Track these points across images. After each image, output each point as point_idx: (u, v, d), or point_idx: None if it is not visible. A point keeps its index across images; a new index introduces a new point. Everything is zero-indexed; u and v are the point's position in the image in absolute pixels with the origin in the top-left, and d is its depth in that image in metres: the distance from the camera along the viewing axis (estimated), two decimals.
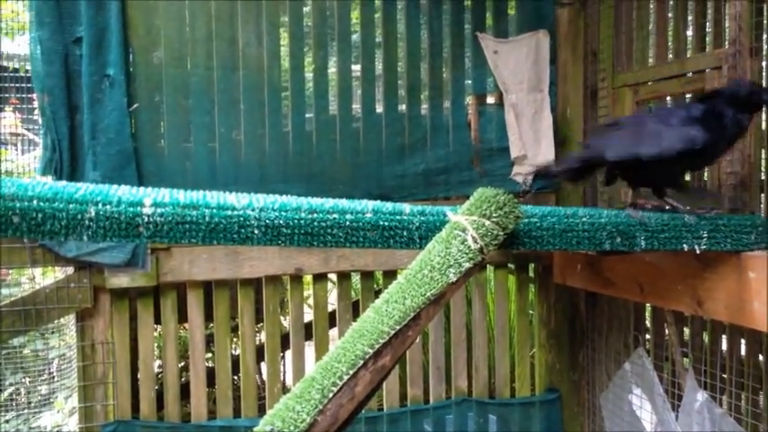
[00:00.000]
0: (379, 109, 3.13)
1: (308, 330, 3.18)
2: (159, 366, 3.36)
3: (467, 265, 1.79)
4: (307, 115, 3.03)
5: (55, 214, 1.52)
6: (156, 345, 3.09)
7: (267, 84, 2.95)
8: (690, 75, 2.74)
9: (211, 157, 2.90)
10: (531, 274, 3.42)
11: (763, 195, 2.54)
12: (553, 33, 3.26)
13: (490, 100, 3.27)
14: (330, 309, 3.43)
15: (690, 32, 2.94)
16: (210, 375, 3.18)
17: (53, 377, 3.15)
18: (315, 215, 1.75)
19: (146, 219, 1.59)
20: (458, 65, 3.19)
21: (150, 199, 1.61)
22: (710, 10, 2.73)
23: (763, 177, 2.52)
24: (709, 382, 2.69)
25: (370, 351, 1.63)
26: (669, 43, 2.95)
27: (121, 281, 2.75)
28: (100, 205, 1.56)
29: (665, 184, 2.34)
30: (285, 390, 3.25)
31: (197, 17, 2.87)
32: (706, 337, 2.83)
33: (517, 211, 1.92)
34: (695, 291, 2.34)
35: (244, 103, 2.93)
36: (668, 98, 3.02)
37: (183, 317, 2.98)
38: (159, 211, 1.61)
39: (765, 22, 2.51)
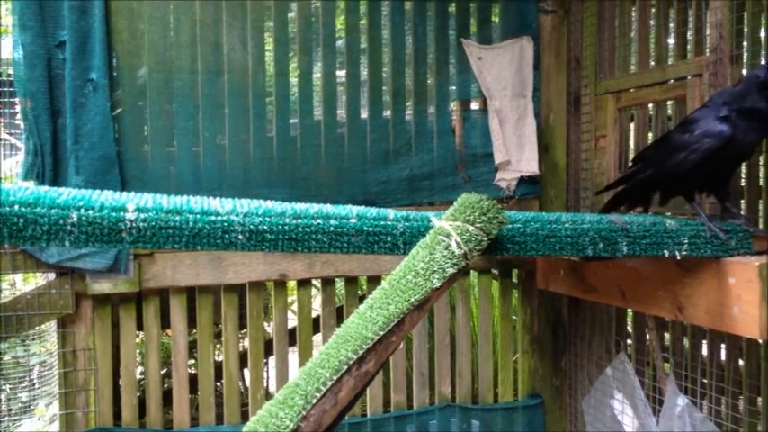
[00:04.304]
0: (364, 114, 3.13)
1: (291, 336, 3.17)
2: (141, 373, 3.34)
3: (451, 270, 1.79)
4: (291, 120, 3.03)
5: (36, 219, 1.51)
6: (138, 351, 3.07)
7: (252, 89, 2.95)
8: (671, 82, 2.77)
9: (195, 162, 2.89)
10: (515, 279, 3.43)
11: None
12: (537, 40, 3.29)
13: (474, 106, 3.28)
14: (314, 314, 3.43)
15: (671, 40, 2.97)
16: (193, 382, 3.17)
17: (34, 384, 3.12)
18: (299, 220, 1.75)
19: (129, 224, 1.59)
20: (442, 71, 3.21)
21: (133, 204, 1.60)
22: (692, 18, 2.76)
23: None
24: (690, 386, 2.71)
25: (354, 357, 1.62)
26: (651, 50, 2.98)
27: (103, 287, 2.73)
28: (82, 210, 1.55)
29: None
30: (268, 396, 3.23)
31: (181, 22, 2.87)
32: (687, 343, 2.85)
33: (501, 216, 1.92)
34: (676, 296, 2.35)
35: (228, 108, 2.92)
36: (650, 105, 3.05)
37: (165, 323, 2.97)
38: (142, 216, 1.60)
39: (746, 29, 2.54)
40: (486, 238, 1.88)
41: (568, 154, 3.36)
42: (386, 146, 3.13)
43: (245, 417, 2.93)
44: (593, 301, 3.09)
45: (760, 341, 2.45)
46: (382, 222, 1.85)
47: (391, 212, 1.89)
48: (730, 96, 2.20)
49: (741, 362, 2.65)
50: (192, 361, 3.86)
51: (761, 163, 2.51)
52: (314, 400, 1.56)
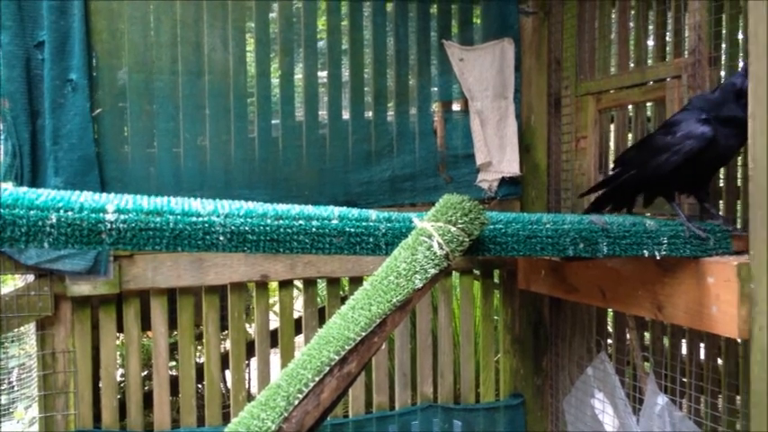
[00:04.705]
0: (346, 115, 3.13)
1: (273, 337, 3.16)
2: (122, 375, 3.32)
3: (432, 271, 1.80)
4: (273, 121, 3.02)
5: (15, 221, 1.49)
6: (118, 353, 3.05)
7: (233, 89, 2.94)
8: (651, 83, 2.79)
9: (176, 163, 2.87)
10: (496, 279, 3.45)
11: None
12: (518, 41, 3.30)
13: (456, 107, 3.29)
14: (296, 315, 3.42)
15: (651, 42, 2.99)
16: (174, 384, 3.15)
17: (13, 387, 3.08)
18: (281, 221, 1.75)
19: (108, 225, 1.58)
20: (424, 72, 3.21)
21: (113, 205, 1.59)
22: (671, 20, 2.78)
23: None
24: (670, 385, 2.73)
25: (336, 358, 1.62)
26: (630, 52, 3.00)
27: (83, 289, 2.71)
28: (61, 212, 1.54)
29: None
30: (250, 397, 3.22)
31: (162, 22, 2.85)
32: (666, 342, 2.88)
33: (482, 217, 1.93)
34: (656, 296, 2.37)
35: (209, 109, 2.91)
36: (629, 106, 3.07)
37: (146, 325, 2.95)
38: (122, 217, 1.59)
39: (724, 32, 2.56)
40: (467, 239, 1.88)
41: (549, 155, 3.38)
42: (367, 147, 3.13)
43: (226, 419, 2.92)
44: (574, 302, 3.11)
45: (738, 340, 2.47)
46: (364, 223, 1.85)
47: (373, 213, 1.89)
48: (708, 103, 2.22)
49: (720, 361, 2.68)
50: (173, 363, 3.84)
51: (739, 164, 2.54)
52: (296, 402, 1.56)
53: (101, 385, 2.88)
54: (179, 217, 1.65)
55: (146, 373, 3.78)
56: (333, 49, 3.11)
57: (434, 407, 3.24)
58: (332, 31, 3.11)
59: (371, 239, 1.86)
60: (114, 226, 1.58)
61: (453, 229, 1.86)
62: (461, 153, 3.23)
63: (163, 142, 2.86)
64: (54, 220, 1.53)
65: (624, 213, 2.57)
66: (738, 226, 2.50)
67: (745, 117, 1.95)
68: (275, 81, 3.04)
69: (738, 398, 2.55)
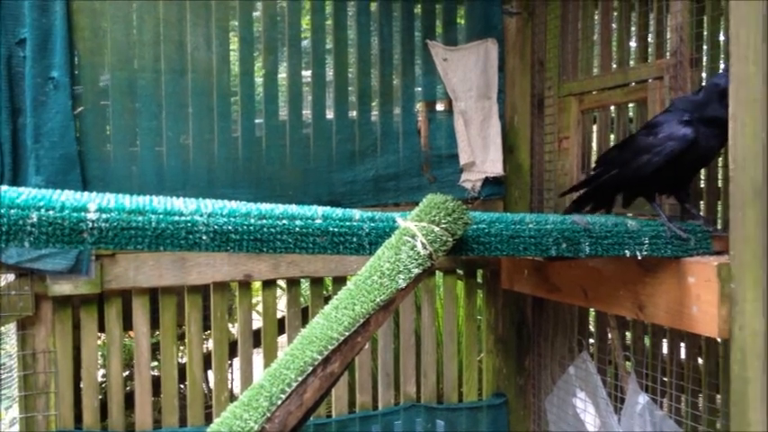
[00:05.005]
0: (330, 115, 3.13)
1: (256, 337, 3.15)
2: (103, 375, 3.30)
3: (416, 271, 1.80)
4: (256, 120, 3.02)
5: None
6: (99, 353, 3.03)
7: (216, 88, 2.93)
8: (633, 84, 2.81)
9: (158, 162, 2.86)
10: (480, 279, 3.45)
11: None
12: (501, 42, 3.31)
13: (440, 107, 3.29)
14: (279, 315, 3.41)
15: (633, 43, 3.01)
16: (156, 384, 3.13)
17: None
18: (264, 221, 1.75)
19: (90, 224, 1.57)
20: (408, 72, 3.21)
21: (95, 204, 1.58)
22: (653, 21, 2.80)
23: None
24: (651, 385, 2.75)
25: (320, 357, 1.62)
26: (613, 53, 3.02)
27: (64, 288, 2.69)
28: (42, 210, 1.52)
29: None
30: (233, 398, 3.21)
31: (144, 20, 2.84)
32: (647, 342, 2.90)
33: (466, 217, 1.93)
34: (637, 296, 2.39)
35: (192, 108, 2.90)
36: (612, 107, 3.09)
37: (127, 324, 2.93)
38: (104, 216, 1.58)
39: (705, 33, 2.58)
40: (451, 239, 1.89)
41: (532, 155, 3.39)
42: (351, 146, 3.12)
43: (208, 419, 2.91)
44: (557, 301, 3.12)
45: (719, 340, 2.49)
46: (348, 223, 1.85)
47: (357, 213, 1.89)
48: (691, 104, 2.24)
49: (700, 360, 2.70)
50: (155, 363, 3.82)
51: (719, 165, 2.56)
52: (279, 402, 1.56)
53: (82, 385, 2.86)
54: (161, 216, 1.64)
55: (127, 373, 3.76)
56: (317, 48, 3.10)
57: (417, 406, 3.24)
58: (316, 31, 3.10)
59: (355, 239, 1.86)
60: (96, 225, 1.57)
61: (437, 228, 1.86)
62: (445, 153, 3.24)
63: (145, 141, 2.85)
64: (35, 219, 1.52)
65: (603, 213, 2.59)
66: (719, 226, 2.52)
67: (728, 118, 1.97)
68: (259, 80, 3.04)
69: (719, 397, 2.57)
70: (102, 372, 3.29)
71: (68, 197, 1.57)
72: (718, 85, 2.15)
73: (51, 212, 1.53)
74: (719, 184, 2.59)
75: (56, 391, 2.74)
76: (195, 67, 2.90)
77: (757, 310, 1.82)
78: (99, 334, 2.94)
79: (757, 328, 1.81)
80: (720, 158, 2.52)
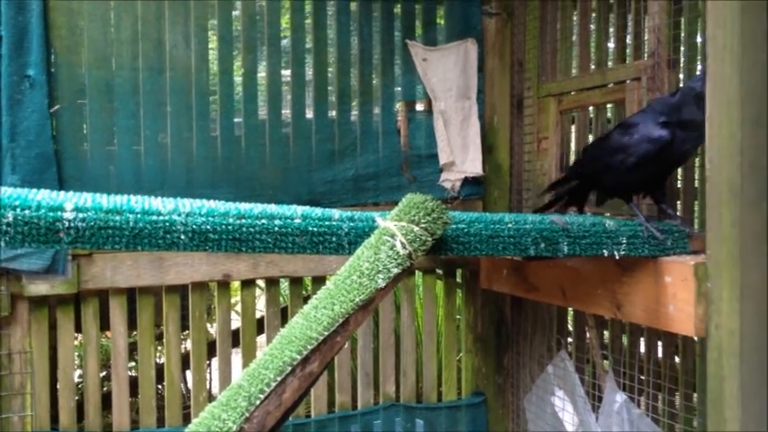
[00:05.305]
0: (309, 114, 3.12)
1: (235, 337, 3.14)
2: (80, 376, 3.27)
3: (395, 270, 1.80)
4: (235, 119, 3.00)
5: None
6: (76, 354, 3.00)
7: (195, 87, 2.91)
8: (611, 85, 2.83)
9: (136, 161, 2.84)
10: (459, 279, 3.46)
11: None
12: (481, 42, 3.32)
13: (419, 107, 3.30)
14: (258, 315, 3.40)
15: (611, 44, 3.03)
16: (134, 384, 3.11)
17: None
18: (243, 220, 1.74)
19: (66, 224, 1.55)
20: (388, 72, 3.21)
21: (71, 203, 1.57)
22: (631, 23, 2.82)
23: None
24: (628, 383, 2.77)
25: (299, 357, 1.62)
26: (591, 54, 3.04)
27: (40, 288, 2.67)
28: (18, 210, 1.51)
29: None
30: (211, 398, 3.19)
31: (122, 18, 2.81)
32: (625, 340, 2.92)
33: (445, 216, 1.94)
34: (615, 295, 2.41)
35: (171, 106, 2.88)
36: (590, 108, 3.11)
37: (105, 324, 2.91)
38: (81, 216, 1.56)
39: (683, 35, 2.60)
40: (430, 239, 1.89)
41: (512, 155, 3.40)
42: (331, 146, 3.12)
43: (186, 419, 2.89)
44: (535, 301, 3.14)
45: (695, 339, 2.52)
46: (327, 222, 1.85)
47: (336, 213, 1.89)
48: (668, 107, 2.26)
49: (677, 359, 2.72)
50: (133, 363, 3.79)
51: (696, 165, 2.59)
52: (257, 402, 1.55)
53: (58, 386, 2.83)
54: (139, 215, 1.63)
55: (104, 373, 3.73)
56: (296, 47, 3.09)
57: (397, 406, 3.25)
58: (295, 30, 3.10)
59: (334, 239, 1.86)
60: (72, 224, 1.56)
61: (416, 228, 1.86)
62: (424, 153, 3.24)
63: (123, 140, 2.82)
64: (10, 219, 1.50)
65: (576, 212, 2.61)
66: (696, 226, 2.54)
67: (704, 120, 1.99)
68: (238, 79, 3.02)
69: (695, 395, 2.60)
70: (78, 372, 3.26)
71: (44, 196, 1.56)
72: (694, 89, 2.17)
73: (27, 212, 1.51)
74: (696, 184, 2.62)
75: (32, 392, 2.71)
76: (174, 66, 2.89)
77: (733, 309, 1.83)
78: (76, 334, 2.91)
79: (733, 326, 1.83)
80: (697, 159, 2.54)
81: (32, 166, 2.65)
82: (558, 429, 3.08)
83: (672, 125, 2.21)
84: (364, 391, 3.23)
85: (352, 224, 1.88)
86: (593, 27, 3.06)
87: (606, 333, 3.06)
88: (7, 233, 1.51)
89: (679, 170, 2.61)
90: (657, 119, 2.25)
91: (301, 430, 3.07)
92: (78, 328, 2.84)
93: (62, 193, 1.60)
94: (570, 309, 3.16)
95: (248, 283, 3.05)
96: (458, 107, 3.26)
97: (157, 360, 3.31)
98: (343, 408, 3.18)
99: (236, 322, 3.34)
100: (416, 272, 3.45)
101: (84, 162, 2.77)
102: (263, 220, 1.76)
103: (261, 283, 3.37)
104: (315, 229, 1.82)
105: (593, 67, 3.02)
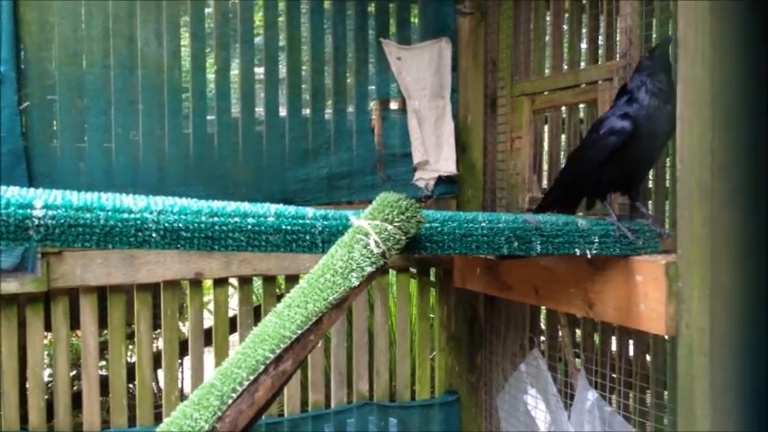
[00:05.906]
0: (283, 112, 3.11)
1: (207, 336, 3.12)
2: (49, 375, 3.23)
3: (369, 269, 1.80)
4: (208, 117, 2.98)
5: None
6: (46, 353, 2.96)
7: (167, 84, 2.89)
8: (583, 86, 2.85)
9: (107, 159, 2.81)
10: (433, 278, 3.47)
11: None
12: (455, 42, 3.33)
13: (393, 105, 3.30)
14: (231, 314, 3.38)
15: (584, 45, 3.05)
16: (104, 384, 3.08)
17: None
18: (215, 218, 1.73)
19: (36, 221, 1.53)
20: (361, 70, 3.21)
21: (41, 201, 1.54)
22: (603, 24, 2.85)
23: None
24: (600, 381, 2.79)
25: (272, 356, 1.61)
26: (564, 55, 3.06)
27: (10, 286, 2.63)
28: None
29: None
30: (183, 397, 3.17)
31: (93, 15, 2.78)
32: (597, 339, 2.94)
33: (419, 215, 1.94)
34: (586, 294, 2.42)
35: (142, 104, 2.85)
36: (563, 108, 3.13)
37: (75, 323, 2.87)
38: (51, 213, 1.54)
39: (655, 36, 2.63)
40: (404, 237, 1.89)
41: (485, 154, 3.42)
42: (305, 144, 3.11)
43: (158, 419, 2.87)
44: (509, 299, 3.15)
45: (666, 337, 2.54)
46: (301, 221, 1.84)
47: (310, 211, 1.88)
48: (628, 96, 2.30)
49: (648, 357, 2.75)
50: (103, 362, 3.75)
51: (667, 165, 2.61)
52: (230, 401, 1.54)
53: (28, 385, 2.79)
54: (110, 213, 1.61)
55: (74, 372, 3.69)
56: (270, 45, 3.08)
57: (370, 405, 3.25)
58: (269, 28, 3.08)
59: (308, 237, 1.85)
60: (42, 222, 1.54)
61: (390, 227, 1.86)
62: (399, 151, 3.24)
63: (93, 137, 2.79)
64: None
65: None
66: (667, 226, 2.57)
67: (665, 111, 2.03)
68: (211, 76, 3.01)
69: (666, 393, 2.62)
70: (48, 371, 3.21)
71: (14, 193, 1.54)
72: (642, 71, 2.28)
73: None
74: (667, 184, 2.64)
75: (1, 392, 2.68)
76: (145, 63, 2.86)
77: (703, 308, 1.86)
78: (45, 333, 2.87)
79: (703, 325, 1.85)
80: (668, 158, 2.57)
81: (1, 163, 2.61)
82: (530, 428, 3.10)
83: (634, 114, 2.25)
84: (338, 390, 3.22)
85: (325, 222, 1.88)
86: (566, 27, 3.08)
87: (578, 331, 3.08)
88: None
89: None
90: (621, 111, 2.29)
91: (274, 429, 3.06)
92: (48, 327, 2.80)
93: (32, 190, 1.58)
94: (543, 307, 3.18)
95: (221, 282, 3.03)
96: (432, 106, 3.27)
97: (128, 359, 3.28)
98: (317, 406, 3.17)
99: (208, 321, 3.31)
100: (390, 270, 3.45)
101: (55, 159, 2.74)
102: (236, 218, 1.75)
103: (234, 281, 3.35)
104: (288, 227, 1.82)
105: (565, 67, 3.04)
